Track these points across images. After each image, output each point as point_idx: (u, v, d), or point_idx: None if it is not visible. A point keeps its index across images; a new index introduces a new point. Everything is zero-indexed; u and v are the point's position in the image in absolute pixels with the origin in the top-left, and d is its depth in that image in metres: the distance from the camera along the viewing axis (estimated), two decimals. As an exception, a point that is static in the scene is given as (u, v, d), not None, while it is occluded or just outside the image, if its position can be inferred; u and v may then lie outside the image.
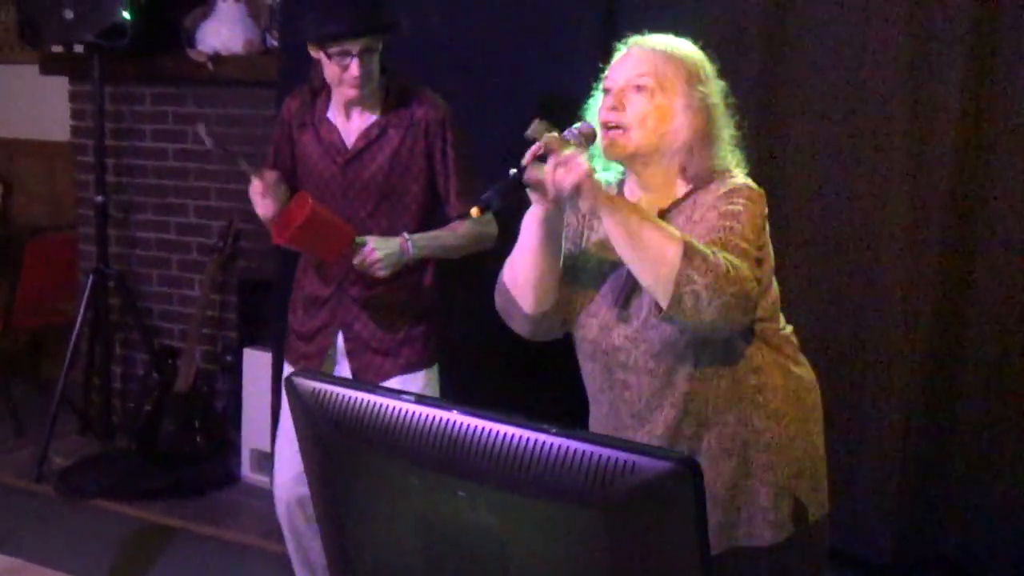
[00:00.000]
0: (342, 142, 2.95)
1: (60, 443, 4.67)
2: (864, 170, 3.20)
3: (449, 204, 3.00)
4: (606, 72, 2.16)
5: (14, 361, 5.35)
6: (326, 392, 1.41)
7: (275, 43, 4.43)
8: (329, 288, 3.02)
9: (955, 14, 3.01)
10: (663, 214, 2.11)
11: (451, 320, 3.43)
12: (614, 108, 2.08)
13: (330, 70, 2.84)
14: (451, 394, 3.16)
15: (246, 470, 4.52)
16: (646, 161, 2.11)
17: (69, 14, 4.39)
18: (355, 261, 2.86)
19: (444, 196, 2.99)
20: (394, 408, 1.35)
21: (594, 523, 1.23)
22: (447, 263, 3.11)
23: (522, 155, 1.99)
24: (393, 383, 3.01)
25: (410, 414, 1.33)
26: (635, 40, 2.16)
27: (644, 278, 1.95)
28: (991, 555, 3.21)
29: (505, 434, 1.25)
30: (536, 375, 3.69)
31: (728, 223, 2.01)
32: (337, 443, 1.41)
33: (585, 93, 3.59)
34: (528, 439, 1.24)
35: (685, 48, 2.14)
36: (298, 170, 3.02)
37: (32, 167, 5.74)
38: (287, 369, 3.10)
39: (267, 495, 4.31)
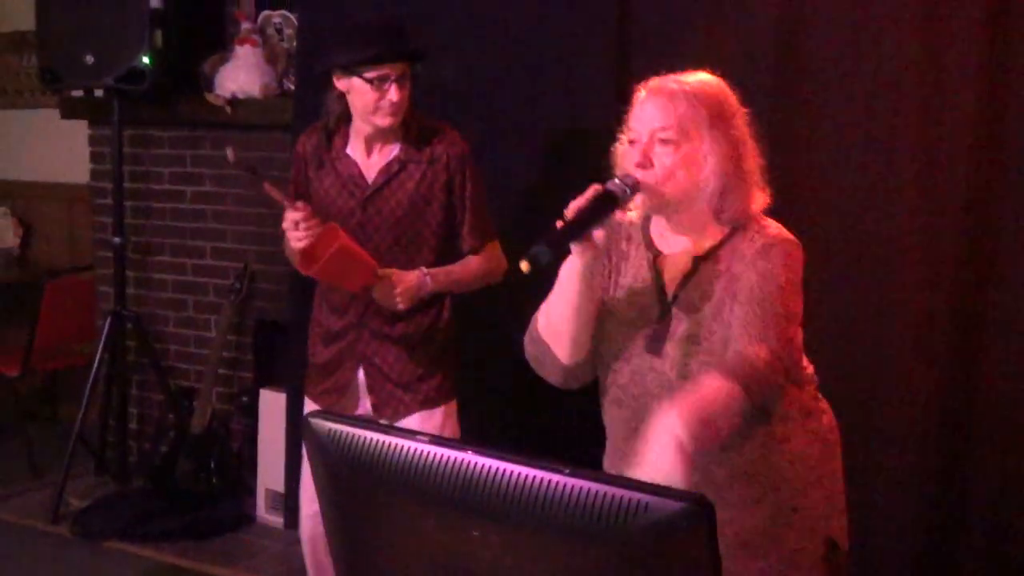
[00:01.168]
0: (362, 177, 2.96)
1: (76, 484, 4.68)
2: (878, 183, 3.18)
3: (462, 238, 3.02)
4: (628, 120, 2.13)
5: (31, 402, 5.38)
6: (342, 432, 1.42)
7: (291, 87, 4.48)
8: (348, 322, 3.03)
9: (967, 27, 3.01)
10: (699, 260, 2.11)
11: (468, 356, 3.43)
12: (642, 166, 2.06)
13: (364, 98, 2.83)
14: (469, 431, 3.17)
15: (261, 511, 4.52)
16: (678, 208, 2.11)
17: (90, 59, 4.46)
18: (375, 294, 2.88)
19: (459, 229, 3.02)
20: (409, 448, 1.36)
21: (608, 563, 1.24)
22: (462, 298, 3.14)
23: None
24: (412, 419, 3.02)
25: (425, 454, 1.34)
26: (654, 84, 2.12)
27: None
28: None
29: (519, 474, 1.26)
30: (552, 412, 3.70)
31: (768, 289, 2.01)
32: (353, 483, 1.42)
33: (597, 127, 3.62)
34: (542, 479, 1.25)
35: (705, 86, 2.11)
36: (314, 205, 3.01)
37: (52, 210, 5.80)
38: (308, 404, 3.10)
39: (282, 536, 4.32)
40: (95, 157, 5.12)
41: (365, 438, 1.40)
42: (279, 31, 4.74)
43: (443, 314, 3.09)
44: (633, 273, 2.18)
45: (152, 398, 5.09)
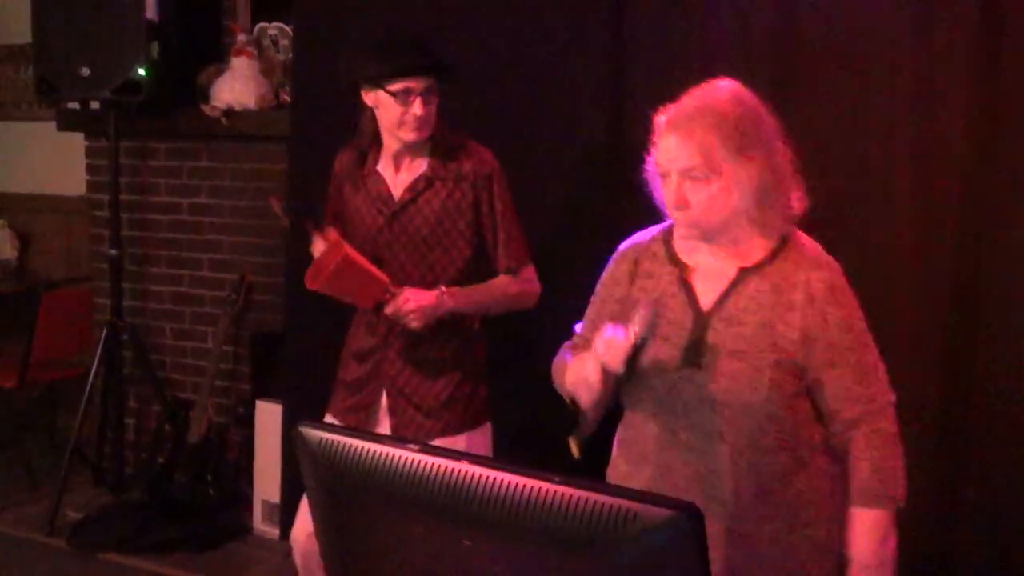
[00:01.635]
0: (389, 194, 2.92)
1: (73, 496, 4.67)
2: (872, 191, 3.19)
3: (496, 258, 2.95)
4: (654, 150, 2.12)
5: (28, 414, 5.37)
6: (333, 442, 1.42)
7: (287, 99, 4.49)
8: (375, 341, 2.97)
9: (959, 37, 3.02)
10: (744, 272, 2.11)
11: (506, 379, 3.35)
12: (680, 207, 2.07)
13: (390, 112, 2.81)
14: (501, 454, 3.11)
15: (258, 522, 4.51)
16: (720, 231, 2.12)
17: (86, 71, 4.47)
18: (388, 310, 2.82)
19: (491, 250, 2.95)
20: (400, 457, 1.36)
21: (598, 571, 1.24)
22: (495, 322, 3.06)
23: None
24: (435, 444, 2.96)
25: (415, 463, 1.35)
26: (673, 116, 2.10)
27: None
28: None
29: (508, 483, 1.27)
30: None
31: (851, 341, 2.10)
32: (344, 492, 1.43)
33: (592, 141, 3.62)
34: (531, 488, 1.25)
35: (723, 103, 2.08)
36: (347, 224, 2.99)
37: (48, 222, 5.80)
38: (330, 420, 3.03)
39: (278, 547, 4.31)
40: (91, 169, 5.13)
41: (356, 447, 1.40)
42: (275, 43, 4.75)
43: (472, 338, 3.01)
44: (662, 289, 2.18)
45: (149, 409, 5.09)
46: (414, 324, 2.83)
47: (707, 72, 3.34)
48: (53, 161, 5.56)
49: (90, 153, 5.13)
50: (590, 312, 2.36)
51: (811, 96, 3.23)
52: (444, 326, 2.90)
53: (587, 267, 3.59)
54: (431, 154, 2.91)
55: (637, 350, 2.04)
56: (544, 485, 1.25)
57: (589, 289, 3.66)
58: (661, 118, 2.11)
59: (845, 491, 2.16)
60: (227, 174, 4.81)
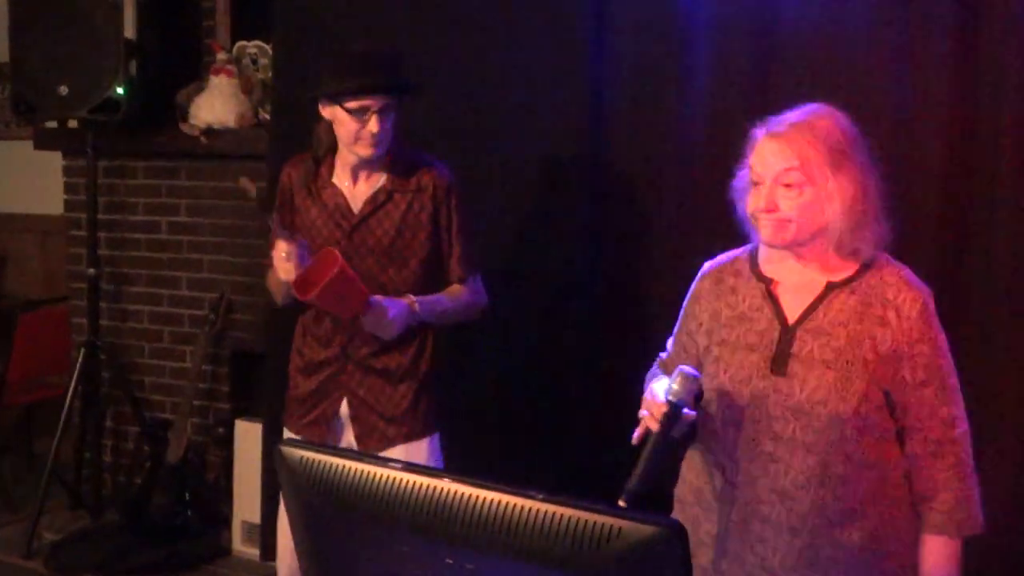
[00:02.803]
0: (348, 207, 2.96)
1: (50, 518, 4.63)
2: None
3: (451, 269, 3.02)
4: (749, 161, 2.15)
5: (5, 435, 5.33)
6: (314, 461, 1.41)
7: (267, 117, 4.49)
8: (332, 352, 3.01)
9: (937, 54, 3.04)
10: (832, 286, 2.14)
11: (454, 387, 3.43)
12: (769, 210, 2.10)
13: (346, 128, 2.84)
14: (453, 463, 3.15)
15: (237, 543, 4.48)
16: (806, 243, 2.14)
17: (63, 90, 4.45)
18: (367, 321, 2.84)
19: (446, 260, 3.02)
20: (382, 476, 1.35)
21: (581, 589, 1.23)
22: (445, 333, 3.12)
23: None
24: (396, 451, 3.00)
25: (398, 481, 1.34)
26: (773, 126, 2.13)
27: None
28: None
29: (492, 501, 1.26)
30: (535, 442, 3.70)
31: (941, 362, 2.13)
32: (325, 511, 1.42)
33: (571, 161, 3.63)
34: (515, 505, 1.25)
35: (823, 121, 2.12)
36: (300, 233, 2.99)
37: (26, 241, 5.77)
38: (289, 437, 3.07)
39: (258, 568, 4.28)
40: (69, 188, 5.10)
41: (337, 466, 1.39)
42: (254, 61, 4.74)
43: (427, 347, 3.06)
44: (748, 303, 2.20)
45: (127, 430, 5.05)
46: (391, 333, 2.88)
47: (685, 89, 3.39)
48: (30, 180, 5.53)
49: (68, 172, 5.10)
50: (675, 330, 2.40)
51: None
52: (402, 336, 2.95)
53: (560, 275, 3.65)
54: (390, 167, 2.95)
55: (676, 412, 2.02)
56: (527, 502, 1.25)
57: (563, 295, 3.68)
58: (759, 130, 2.15)
59: (916, 523, 2.18)
60: (206, 193, 4.80)
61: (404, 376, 3.01)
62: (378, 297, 2.86)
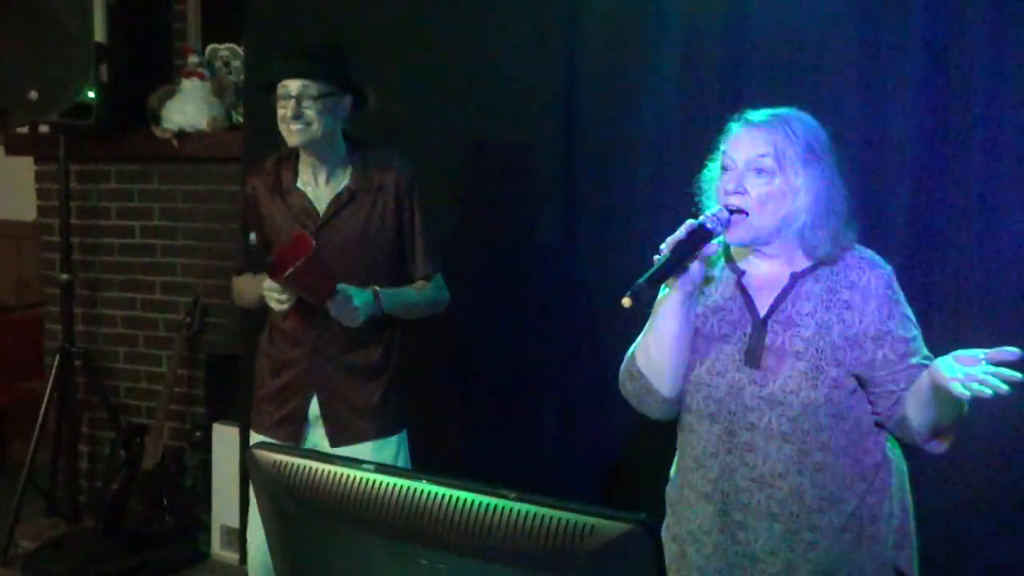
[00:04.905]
0: (313, 208, 2.99)
1: (26, 526, 4.59)
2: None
3: (414, 264, 3.07)
4: (723, 148, 2.20)
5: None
6: (287, 464, 1.41)
7: (240, 120, 4.47)
8: (302, 350, 3.03)
9: (908, 34, 3.05)
10: (796, 276, 2.18)
11: (424, 383, 3.44)
12: (736, 192, 2.13)
13: (278, 114, 2.91)
14: (419, 460, 3.17)
15: (216, 547, 4.47)
16: (768, 240, 2.18)
17: (34, 95, 4.40)
18: (333, 308, 2.87)
19: (410, 256, 3.06)
20: (355, 478, 1.35)
21: (555, 587, 1.24)
22: (412, 329, 3.15)
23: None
24: (367, 447, 3.02)
25: (371, 483, 1.34)
26: (751, 116, 2.19)
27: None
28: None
29: (464, 501, 1.26)
30: (499, 438, 3.71)
31: (912, 336, 2.16)
32: (299, 514, 1.42)
33: (544, 158, 3.64)
34: (487, 505, 1.25)
35: (800, 121, 2.18)
36: (267, 240, 3.04)
37: (-2, 247, 5.73)
38: (256, 439, 3.07)
39: (237, 572, 4.27)
40: (41, 193, 5.06)
41: (311, 469, 1.39)
42: (226, 64, 4.73)
43: (395, 343, 3.10)
44: (720, 292, 2.24)
45: (103, 436, 5.02)
46: (356, 321, 2.90)
47: (657, 89, 3.39)
48: (2, 186, 5.48)
49: (39, 177, 5.07)
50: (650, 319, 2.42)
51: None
52: (370, 333, 2.99)
53: (543, 270, 3.65)
54: (352, 167, 3.00)
55: (705, 231, 2.07)
56: (499, 502, 1.25)
57: (536, 289, 3.66)
58: (736, 122, 2.21)
59: (905, 509, 2.22)
60: (179, 196, 4.78)
61: (375, 372, 3.05)
62: (344, 285, 2.88)
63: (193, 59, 4.60)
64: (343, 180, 3.00)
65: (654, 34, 3.40)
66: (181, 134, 4.55)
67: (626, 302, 1.98)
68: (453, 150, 3.75)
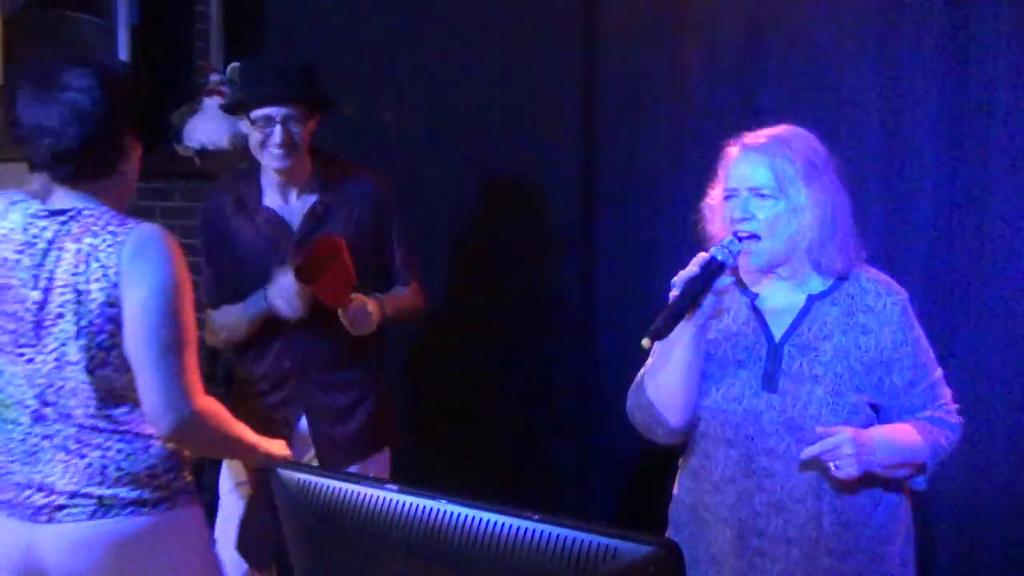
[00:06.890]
0: (286, 225, 2.95)
1: None
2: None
3: (396, 272, 3.06)
4: (723, 175, 2.21)
5: None
6: (312, 483, 1.42)
7: (261, 137, 4.49)
8: (289, 367, 2.97)
9: (926, 45, 3.06)
10: (814, 299, 2.18)
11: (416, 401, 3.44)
12: (744, 219, 2.13)
13: (254, 138, 2.86)
14: (403, 478, 3.16)
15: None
16: (782, 259, 2.18)
17: (58, 113, 4.43)
18: (349, 312, 2.83)
19: (390, 265, 3.05)
20: (379, 498, 1.36)
21: (578, 609, 1.24)
22: (433, 352, 3.15)
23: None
24: (354, 468, 3.00)
25: (395, 504, 1.35)
26: (748, 140, 2.20)
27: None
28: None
29: (487, 522, 1.27)
30: (485, 456, 3.71)
31: (925, 362, 2.19)
32: (323, 534, 1.42)
33: (566, 172, 3.66)
34: (510, 527, 1.26)
35: (798, 139, 2.18)
36: (237, 261, 2.99)
37: (20, 263, 5.75)
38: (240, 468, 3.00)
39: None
40: (64, 210, 5.09)
41: (335, 489, 1.40)
42: (248, 82, 4.75)
43: (381, 359, 3.10)
44: (733, 317, 2.23)
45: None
46: (368, 328, 2.87)
47: (677, 96, 3.40)
48: (25, 202, 5.51)
49: (62, 194, 5.09)
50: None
51: (779, 119, 3.27)
52: (355, 348, 2.95)
53: (561, 283, 3.66)
54: (321, 182, 2.96)
55: (718, 265, 2.07)
56: (522, 523, 1.25)
57: (545, 304, 3.68)
58: (733, 147, 2.20)
59: (909, 527, 2.23)
60: (200, 213, 4.79)
61: (363, 389, 3.02)
62: (358, 294, 2.85)
63: (214, 77, 4.63)
64: (313, 195, 2.96)
65: (672, 50, 3.42)
66: (203, 152, 4.57)
67: (646, 343, 1.99)
68: (469, 164, 3.78)
